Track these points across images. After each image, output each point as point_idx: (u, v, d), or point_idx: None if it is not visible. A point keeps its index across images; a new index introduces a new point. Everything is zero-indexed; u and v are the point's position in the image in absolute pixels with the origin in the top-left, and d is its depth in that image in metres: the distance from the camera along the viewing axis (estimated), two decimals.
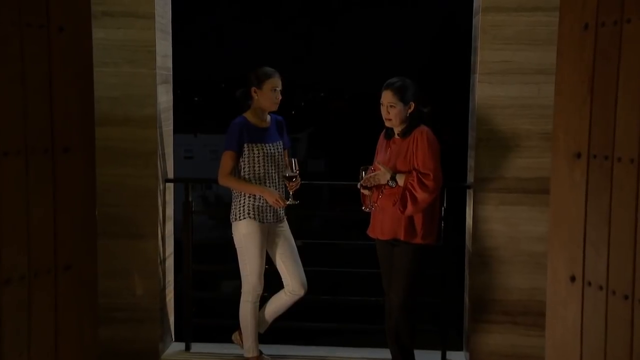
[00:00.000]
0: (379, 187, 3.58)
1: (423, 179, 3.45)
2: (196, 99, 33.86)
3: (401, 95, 3.53)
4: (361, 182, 3.57)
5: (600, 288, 2.13)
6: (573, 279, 2.23)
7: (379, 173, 3.55)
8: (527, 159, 3.86)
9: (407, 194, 3.47)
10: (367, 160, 3.84)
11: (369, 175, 3.57)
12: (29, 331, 2.20)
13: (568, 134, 2.26)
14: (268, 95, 3.71)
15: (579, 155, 2.22)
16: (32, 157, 2.19)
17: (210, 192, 20.90)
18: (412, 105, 3.55)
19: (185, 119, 27.57)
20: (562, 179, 2.29)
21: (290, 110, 30.32)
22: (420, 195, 3.45)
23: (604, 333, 2.11)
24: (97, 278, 2.43)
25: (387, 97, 3.56)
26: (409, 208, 3.48)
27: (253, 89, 3.72)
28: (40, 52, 2.20)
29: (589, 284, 2.17)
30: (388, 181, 3.52)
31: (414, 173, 3.47)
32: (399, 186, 3.50)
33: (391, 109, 3.55)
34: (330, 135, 29.25)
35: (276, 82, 3.72)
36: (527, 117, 3.84)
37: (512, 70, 3.81)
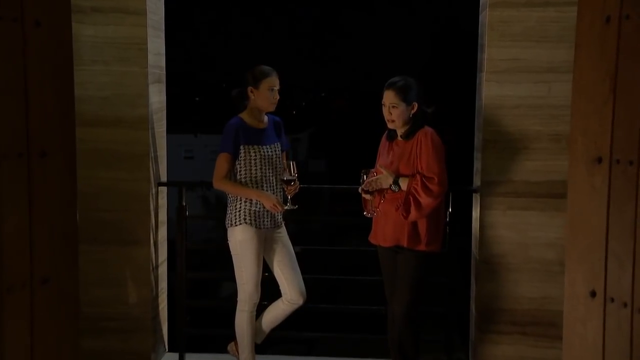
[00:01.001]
0: (381, 191, 3.44)
1: (427, 183, 3.30)
2: (197, 98, 33.78)
3: (404, 95, 3.39)
4: (362, 186, 3.41)
5: (625, 305, 1.95)
6: (593, 294, 2.06)
7: (381, 177, 3.40)
8: (536, 162, 3.74)
9: (411, 198, 3.33)
10: (369, 160, 3.70)
11: (371, 179, 3.41)
12: (1, 351, 2.02)
13: (587, 136, 2.08)
14: (265, 95, 3.57)
15: (599, 160, 2.04)
16: (4, 162, 2.01)
17: (210, 193, 20.75)
18: (415, 105, 3.41)
19: (186, 118, 27.48)
20: (580, 186, 2.11)
21: (291, 110, 30.25)
22: (425, 200, 3.30)
23: (629, 355, 1.94)
24: (78, 291, 2.25)
25: (389, 98, 3.42)
26: (413, 213, 3.33)
27: (249, 88, 3.59)
28: (14, 48, 2.03)
29: (612, 300, 2.00)
30: (391, 185, 3.37)
31: (418, 177, 3.32)
32: (402, 190, 3.34)
33: (393, 109, 3.41)
34: (331, 135, 29.14)
35: (273, 82, 3.59)
36: (536, 117, 3.72)
37: (521, 69, 3.70)
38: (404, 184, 3.36)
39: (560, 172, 3.67)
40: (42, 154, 2.13)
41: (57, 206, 2.19)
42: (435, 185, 3.30)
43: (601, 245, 2.05)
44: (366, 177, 3.42)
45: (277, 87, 3.59)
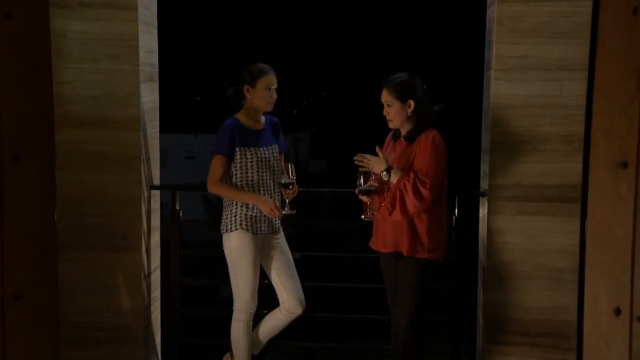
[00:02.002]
0: (381, 194, 3.28)
1: (419, 185, 3.14)
2: (198, 98, 33.76)
3: (398, 93, 3.25)
4: (359, 187, 3.26)
5: None
6: (618, 311, 1.89)
7: (372, 160, 3.24)
8: (547, 164, 3.61)
9: (397, 194, 3.17)
10: None
11: (363, 156, 3.25)
12: None
13: (611, 139, 1.91)
14: (262, 95, 3.44)
15: (625, 165, 1.87)
16: None
17: (211, 193, 20.51)
18: (412, 103, 3.24)
19: (187, 118, 27.38)
20: (603, 192, 1.94)
21: (292, 110, 30.19)
22: (411, 201, 3.14)
23: None
24: (57, 307, 2.09)
25: (383, 95, 3.30)
26: (397, 211, 3.18)
27: (246, 87, 3.46)
28: None
29: (639, 318, 1.82)
30: (382, 172, 3.22)
31: (412, 174, 3.17)
32: (390, 182, 3.21)
33: (389, 108, 3.29)
34: (332, 135, 29.07)
35: (271, 80, 3.45)
36: (547, 117, 3.59)
37: (531, 66, 3.56)
38: (395, 176, 3.20)
39: (573, 175, 3.56)
40: (15, 158, 1.97)
41: (32, 215, 2.02)
42: (426, 190, 3.14)
43: (626, 257, 1.89)
44: (363, 178, 3.27)
45: (274, 86, 3.47)
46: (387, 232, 3.32)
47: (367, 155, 3.26)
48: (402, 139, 3.34)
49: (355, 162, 3.27)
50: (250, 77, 3.43)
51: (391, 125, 3.33)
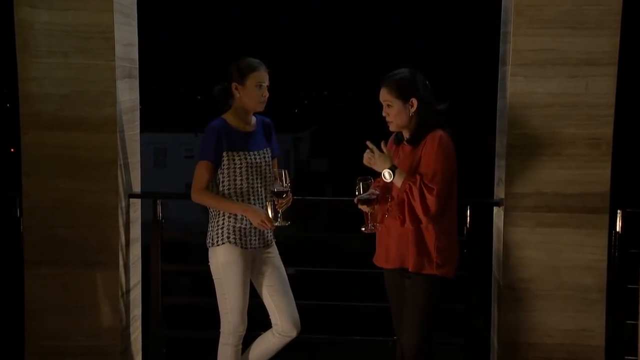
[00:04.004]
0: (383, 203, 3.01)
1: (425, 192, 2.85)
2: (198, 97, 33.95)
3: (399, 92, 2.97)
4: (358, 196, 2.97)
5: None
6: None
7: (377, 155, 2.96)
8: (571, 171, 3.44)
9: (406, 200, 2.90)
10: None
11: (372, 147, 2.99)
12: None
13: None
14: (252, 93, 3.20)
15: None
16: None
17: None
18: (414, 102, 2.96)
19: (187, 117, 27.45)
20: None
21: (293, 109, 30.31)
22: (418, 207, 2.86)
23: None
24: None
25: (382, 95, 3.02)
26: (407, 219, 2.90)
27: (234, 85, 3.23)
28: None
29: None
30: (385, 171, 2.94)
31: (418, 177, 2.88)
32: (392, 183, 2.94)
33: (389, 108, 3.01)
34: (334, 134, 29.22)
35: (262, 77, 3.21)
36: (571, 118, 3.40)
37: (554, 61, 3.35)
38: (399, 177, 2.91)
39: (600, 182, 3.38)
40: None
41: None
42: (433, 197, 2.85)
43: None
44: (363, 186, 2.99)
45: (266, 83, 3.22)
46: (391, 246, 3.04)
47: (374, 149, 2.99)
48: (405, 142, 3.04)
49: (367, 145, 3.00)
50: (239, 73, 3.20)
51: (392, 127, 3.06)
